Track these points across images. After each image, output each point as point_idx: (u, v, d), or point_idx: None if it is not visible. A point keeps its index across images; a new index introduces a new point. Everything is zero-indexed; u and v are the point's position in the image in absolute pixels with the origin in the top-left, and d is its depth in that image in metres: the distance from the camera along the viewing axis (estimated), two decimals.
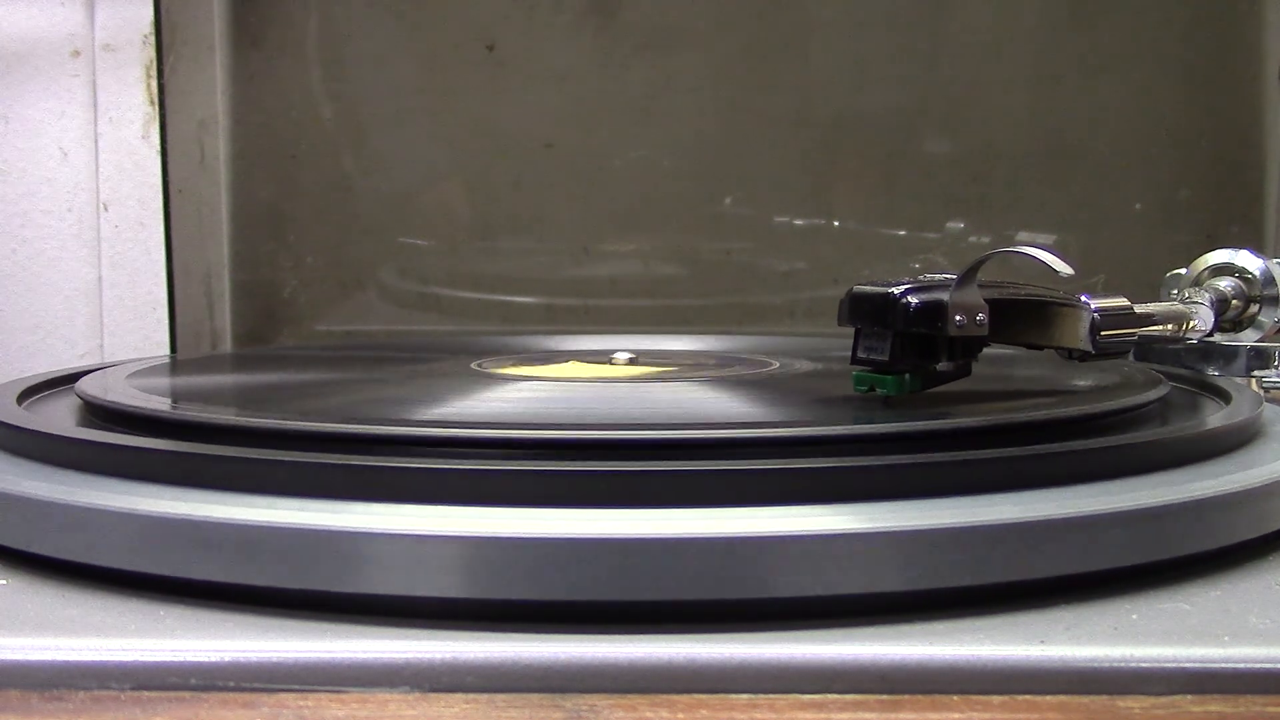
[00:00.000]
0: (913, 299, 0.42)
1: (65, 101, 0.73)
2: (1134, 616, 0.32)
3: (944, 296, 0.42)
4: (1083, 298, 0.44)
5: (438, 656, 0.30)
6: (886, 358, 0.42)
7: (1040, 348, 0.45)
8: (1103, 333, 0.43)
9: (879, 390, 0.43)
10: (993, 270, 0.44)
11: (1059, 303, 0.44)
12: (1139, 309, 0.46)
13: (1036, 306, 0.44)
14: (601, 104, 0.82)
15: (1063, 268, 0.41)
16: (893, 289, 0.42)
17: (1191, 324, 0.52)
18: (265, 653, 0.30)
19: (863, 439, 0.39)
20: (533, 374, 0.53)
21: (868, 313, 0.42)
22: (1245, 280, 0.56)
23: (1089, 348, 0.43)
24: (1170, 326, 0.51)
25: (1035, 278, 0.44)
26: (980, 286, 0.43)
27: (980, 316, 0.42)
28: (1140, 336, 0.46)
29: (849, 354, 0.43)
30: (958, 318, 0.42)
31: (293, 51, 0.81)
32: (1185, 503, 0.35)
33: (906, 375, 0.43)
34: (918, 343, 0.43)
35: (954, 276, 0.42)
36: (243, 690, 0.30)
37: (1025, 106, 0.83)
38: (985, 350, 0.45)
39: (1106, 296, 0.44)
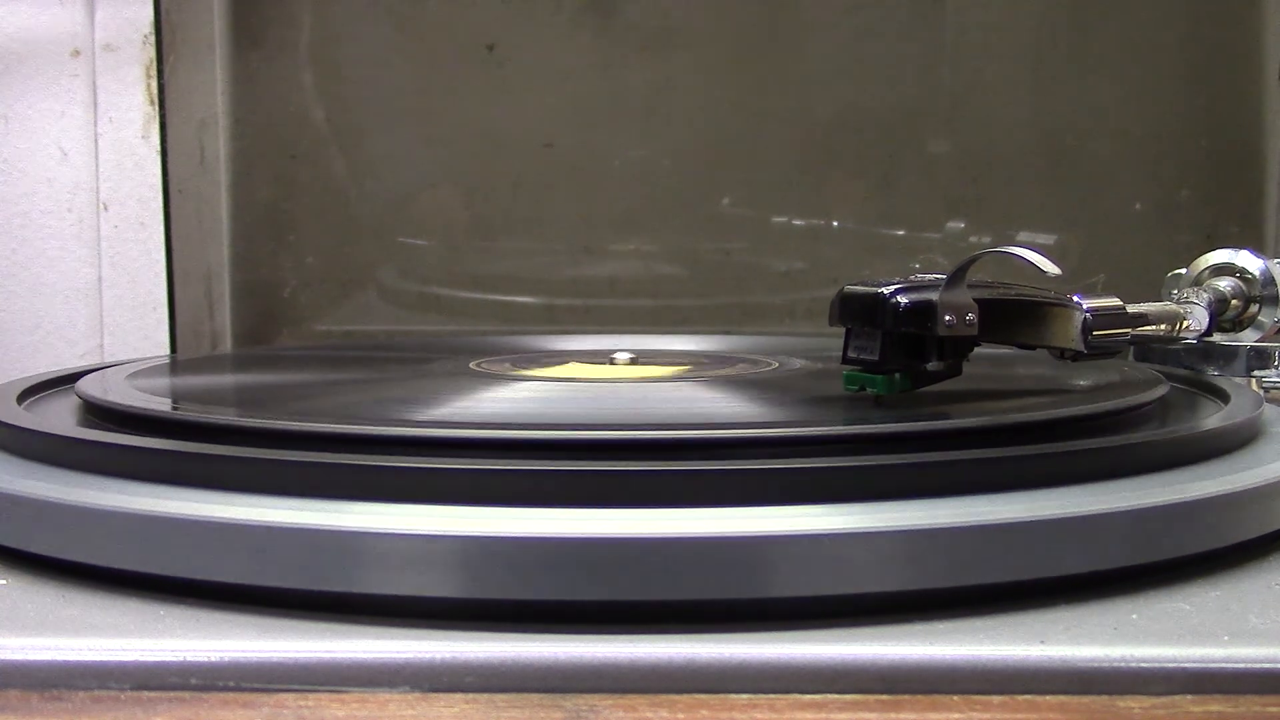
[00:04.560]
0: (902, 299, 0.42)
1: (65, 101, 0.73)
2: (1134, 616, 0.32)
3: (933, 297, 0.42)
4: (1075, 297, 0.44)
5: (438, 656, 0.30)
6: (876, 357, 0.42)
7: (1033, 347, 0.45)
8: (1095, 333, 0.43)
9: (869, 390, 0.43)
10: (991, 271, 0.44)
11: (1051, 302, 0.44)
12: (1132, 309, 0.46)
13: (1028, 306, 0.44)
14: (601, 104, 0.82)
15: (1050, 268, 0.41)
16: (882, 289, 0.42)
17: (1185, 324, 0.52)
18: (265, 653, 0.30)
19: (863, 439, 0.39)
20: (532, 374, 0.53)
21: (858, 312, 0.42)
22: (1245, 280, 0.56)
23: (1081, 347, 0.43)
24: (1164, 326, 0.51)
25: (1032, 278, 0.44)
26: (972, 287, 0.43)
27: (970, 316, 0.42)
28: (1133, 336, 0.46)
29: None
30: (947, 317, 0.42)
31: (292, 52, 0.81)
32: (1185, 503, 0.35)
33: (896, 375, 0.43)
34: (908, 342, 0.43)
35: (944, 277, 0.42)
36: (243, 690, 0.30)
37: (1025, 106, 0.83)
38: (984, 350, 0.45)
39: (1099, 296, 0.44)
